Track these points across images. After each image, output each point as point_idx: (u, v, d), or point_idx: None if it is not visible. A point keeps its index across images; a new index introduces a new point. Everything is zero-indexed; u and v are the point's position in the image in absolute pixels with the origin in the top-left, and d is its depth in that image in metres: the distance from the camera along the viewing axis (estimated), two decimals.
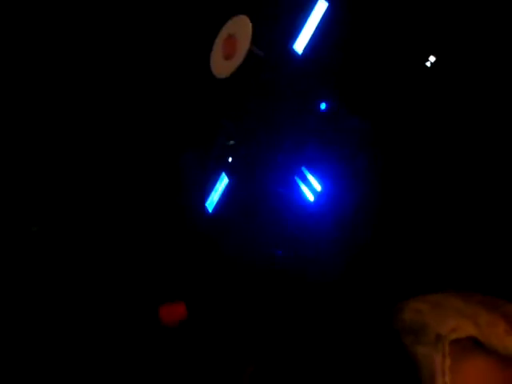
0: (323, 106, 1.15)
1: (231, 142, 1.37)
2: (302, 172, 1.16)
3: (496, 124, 0.95)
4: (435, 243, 0.98)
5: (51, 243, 1.54)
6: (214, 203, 1.40)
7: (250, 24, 1.36)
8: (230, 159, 1.37)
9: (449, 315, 0.74)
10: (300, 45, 1.21)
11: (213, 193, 1.41)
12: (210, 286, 0.80)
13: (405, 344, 0.72)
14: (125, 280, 1.36)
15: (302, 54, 1.20)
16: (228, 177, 1.37)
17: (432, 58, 0.98)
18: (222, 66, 1.46)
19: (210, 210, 1.42)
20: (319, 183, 1.13)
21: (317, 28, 1.17)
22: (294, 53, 1.22)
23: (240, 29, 1.43)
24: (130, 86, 1.63)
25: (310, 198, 1.14)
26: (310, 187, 1.14)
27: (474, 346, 0.73)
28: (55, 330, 1.39)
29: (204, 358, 0.78)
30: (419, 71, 0.99)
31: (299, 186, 1.16)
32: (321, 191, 1.12)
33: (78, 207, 1.57)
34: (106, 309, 1.33)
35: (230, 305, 0.78)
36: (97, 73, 1.61)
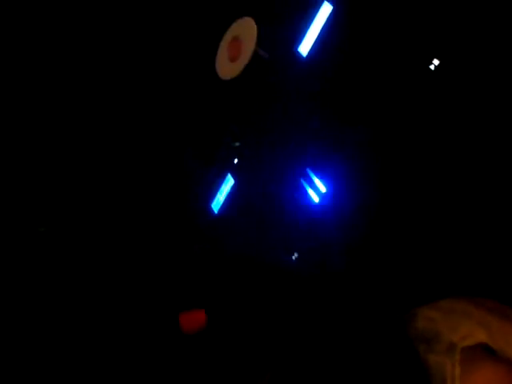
0: (327, 108, 1.16)
1: (237, 144, 1.38)
2: (307, 173, 1.17)
3: (498, 125, 0.96)
4: (438, 244, 0.98)
5: (58, 243, 1.56)
6: (220, 204, 1.41)
7: (255, 26, 1.37)
8: (236, 160, 1.38)
9: (461, 322, 0.74)
10: (305, 47, 1.22)
11: (218, 194, 1.43)
12: (228, 294, 0.80)
13: (418, 352, 0.71)
14: (142, 286, 1.37)
15: (307, 56, 1.21)
16: (234, 178, 1.38)
17: (436, 61, 0.98)
18: (228, 67, 1.47)
19: (216, 211, 1.43)
20: (324, 184, 1.14)
21: (321, 31, 1.18)
22: (298, 55, 1.23)
23: (245, 31, 1.44)
24: (135, 87, 1.64)
25: (315, 199, 1.15)
26: (315, 188, 1.15)
27: (484, 352, 0.72)
28: (66, 334, 1.40)
29: (222, 365, 0.78)
30: (423, 74, 1.00)
31: (304, 188, 1.16)
32: (326, 192, 1.13)
33: (86, 208, 1.58)
34: (122, 313, 1.35)
35: (248, 311, 0.78)
36: (104, 77, 1.62)
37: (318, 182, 1.14)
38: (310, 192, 1.16)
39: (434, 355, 0.71)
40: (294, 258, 1.23)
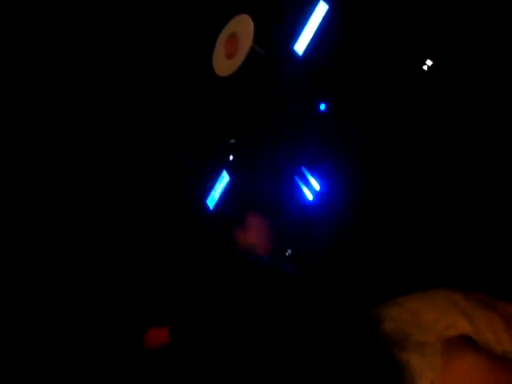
0: (323, 106, 1.17)
1: (232, 141, 1.38)
2: (302, 172, 1.18)
3: (489, 124, 0.97)
4: (427, 241, 1.00)
5: (54, 238, 1.57)
6: (215, 200, 1.42)
7: (252, 23, 1.38)
8: (231, 157, 1.39)
9: (446, 311, 0.76)
10: (301, 46, 1.23)
11: (214, 190, 1.44)
12: (193, 311, 0.79)
13: (388, 351, 0.73)
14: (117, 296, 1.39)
15: (303, 55, 1.21)
16: (229, 175, 1.39)
17: (429, 62, 0.99)
18: (224, 64, 1.48)
19: (211, 207, 1.44)
20: (318, 183, 1.15)
21: (317, 30, 1.19)
22: (294, 54, 1.24)
23: (242, 28, 1.45)
24: (132, 84, 1.65)
25: (309, 196, 1.16)
26: (309, 187, 1.16)
27: (466, 343, 0.74)
28: (50, 329, 1.42)
29: (187, 380, 0.78)
30: (416, 74, 1.01)
31: (299, 185, 1.18)
32: (319, 191, 1.14)
33: (82, 204, 1.59)
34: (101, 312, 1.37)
35: (212, 329, 0.77)
36: (102, 73, 1.62)
37: (312, 180, 1.16)
38: (305, 190, 1.17)
39: (405, 353, 0.72)
40: (287, 254, 1.24)
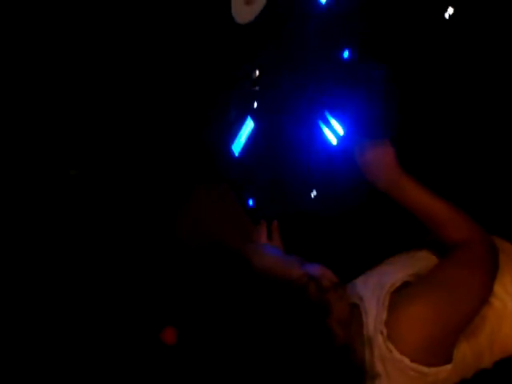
0: (346, 53, 1.20)
1: (256, 88, 1.42)
2: (325, 116, 1.22)
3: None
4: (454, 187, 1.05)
5: (89, 186, 1.63)
6: (241, 146, 1.47)
7: None
8: (256, 104, 1.43)
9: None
10: None
11: (238, 137, 1.48)
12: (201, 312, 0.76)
13: None
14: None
15: (326, 2, 1.23)
16: (254, 121, 1.43)
17: (450, 10, 1.02)
18: (244, 11, 1.49)
19: (237, 154, 1.49)
20: (342, 127, 1.19)
21: None
22: (317, 1, 1.26)
23: None
24: (153, 29, 1.66)
25: (333, 141, 1.21)
26: (333, 131, 1.21)
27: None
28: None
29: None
30: (437, 22, 1.04)
31: (322, 130, 1.22)
32: (343, 135, 1.18)
33: (115, 153, 1.64)
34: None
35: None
36: (119, 18, 1.63)
37: (336, 124, 1.20)
38: (328, 134, 1.22)
39: None
40: (312, 195, 1.31)
